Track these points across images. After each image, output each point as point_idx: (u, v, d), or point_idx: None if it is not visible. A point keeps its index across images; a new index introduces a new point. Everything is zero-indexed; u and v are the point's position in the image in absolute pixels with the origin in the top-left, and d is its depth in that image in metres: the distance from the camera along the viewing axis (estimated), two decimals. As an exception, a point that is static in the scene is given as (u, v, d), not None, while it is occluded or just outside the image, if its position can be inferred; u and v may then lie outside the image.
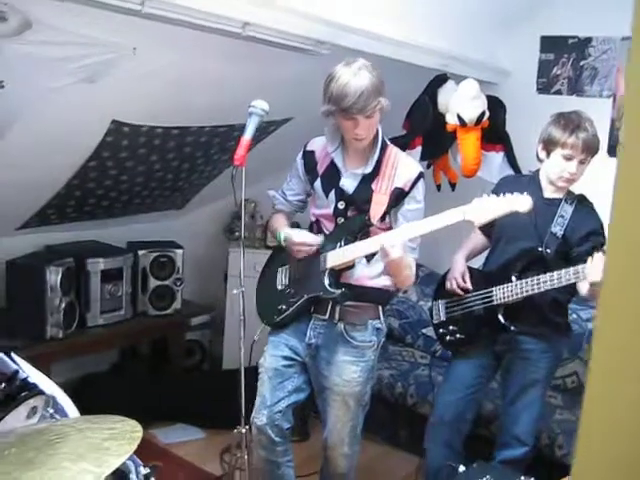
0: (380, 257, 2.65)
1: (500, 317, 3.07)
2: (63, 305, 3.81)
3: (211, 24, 2.64)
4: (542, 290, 2.93)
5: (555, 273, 2.88)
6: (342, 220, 2.80)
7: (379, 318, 2.91)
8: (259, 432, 2.90)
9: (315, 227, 2.92)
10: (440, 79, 3.99)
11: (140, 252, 4.34)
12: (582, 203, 3.07)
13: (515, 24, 4.35)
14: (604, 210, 3.16)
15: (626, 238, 0.94)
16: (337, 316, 2.83)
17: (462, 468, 2.93)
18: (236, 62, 3.22)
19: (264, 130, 4.02)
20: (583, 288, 2.85)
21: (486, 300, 3.10)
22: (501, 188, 2.77)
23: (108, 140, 3.54)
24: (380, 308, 2.91)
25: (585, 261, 2.79)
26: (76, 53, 2.74)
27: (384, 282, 2.85)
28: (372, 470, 3.91)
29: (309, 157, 2.92)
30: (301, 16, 2.89)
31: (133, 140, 3.66)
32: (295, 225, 3.08)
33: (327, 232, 2.85)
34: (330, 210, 2.83)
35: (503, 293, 3.04)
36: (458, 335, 3.20)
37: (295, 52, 3.10)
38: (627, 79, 1.09)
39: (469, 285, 3.15)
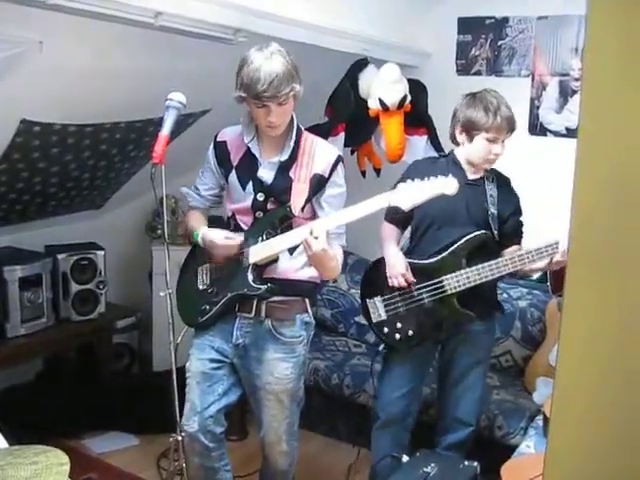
0: (303, 250, 2.58)
1: (457, 305, 3.02)
2: (-21, 316, 3.62)
3: (122, 14, 2.52)
4: (503, 274, 2.94)
5: (516, 255, 2.94)
6: (261, 213, 2.72)
7: (307, 311, 2.84)
8: (191, 440, 2.80)
9: (232, 223, 2.82)
10: (361, 64, 3.94)
11: (59, 256, 4.15)
12: (500, 180, 3.11)
13: (433, 6, 4.34)
14: (528, 187, 3.21)
15: (589, 223, 0.94)
16: (263, 313, 2.76)
17: (405, 458, 2.91)
18: (151, 54, 3.12)
19: (182, 123, 3.90)
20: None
21: (437, 291, 3.04)
22: (416, 172, 2.73)
23: (18, 140, 3.37)
24: (307, 301, 2.84)
25: (517, 238, 2.88)
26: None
27: (309, 274, 2.78)
28: (314, 464, 3.87)
29: (221, 148, 2.82)
30: (215, 3, 2.79)
31: (45, 139, 3.49)
32: (214, 220, 2.98)
33: (245, 227, 2.77)
34: (248, 203, 2.74)
35: (457, 281, 3.00)
36: (409, 332, 3.10)
37: (211, 41, 2.99)
38: (586, 62, 1.08)
39: (412, 278, 3.08)
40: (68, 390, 4.36)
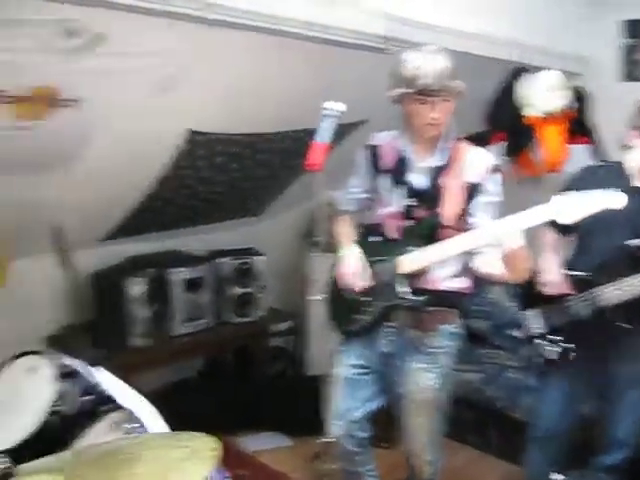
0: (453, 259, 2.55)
1: (617, 319, 2.89)
2: (147, 315, 3.85)
3: (278, 27, 2.61)
4: None
5: None
6: (412, 219, 2.69)
7: (453, 322, 2.79)
8: (336, 443, 2.84)
9: (378, 230, 2.81)
10: (518, 71, 3.87)
11: (221, 260, 4.34)
12: None
13: (594, 10, 4.18)
14: None
15: None
16: (408, 323, 2.74)
17: (560, 477, 2.82)
18: (308, 65, 3.19)
19: (340, 133, 3.97)
20: None
21: (595, 303, 2.92)
22: (579, 183, 2.64)
23: (185, 150, 3.56)
24: (454, 312, 2.80)
25: None
26: (149, 64, 2.75)
27: (459, 284, 2.74)
28: (461, 475, 3.81)
29: (373, 152, 2.81)
30: (366, 13, 2.83)
31: (210, 149, 3.67)
32: (362, 228, 2.97)
33: (394, 233, 2.74)
34: (398, 208, 2.72)
35: (617, 293, 2.85)
36: (568, 346, 2.99)
37: (366, 51, 3.03)
38: None
39: (569, 289, 2.97)
40: (227, 389, 4.52)
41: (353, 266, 2.73)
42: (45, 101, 2.68)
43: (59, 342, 3.69)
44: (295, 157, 4.17)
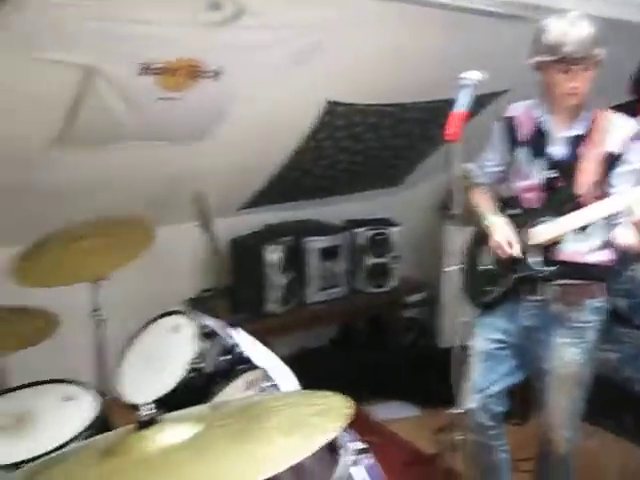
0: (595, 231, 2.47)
1: None
2: (283, 282, 3.95)
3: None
4: None
5: None
6: (550, 190, 2.61)
7: (598, 296, 2.70)
8: (470, 416, 2.83)
9: (515, 202, 2.75)
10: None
11: (357, 230, 4.38)
12: None
13: None
14: None
15: None
16: (551, 296, 2.68)
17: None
18: (450, 34, 3.15)
19: (480, 103, 3.91)
20: None
21: None
22: None
23: (324, 120, 3.61)
24: (599, 286, 2.69)
25: None
26: (288, 35, 2.80)
27: (602, 257, 2.65)
28: (593, 459, 3.71)
29: (509, 124, 2.74)
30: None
31: (348, 119, 3.70)
32: (507, 201, 2.93)
33: (530, 205, 2.67)
34: (536, 180, 2.64)
35: None
36: None
37: (510, 20, 2.97)
38: None
39: None
40: (358, 357, 4.57)
41: (506, 233, 2.70)
42: (188, 73, 2.79)
43: (198, 305, 3.84)
44: (434, 127, 4.14)
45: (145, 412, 1.28)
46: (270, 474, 1.08)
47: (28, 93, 2.57)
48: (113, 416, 2.49)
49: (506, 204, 2.82)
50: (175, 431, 1.27)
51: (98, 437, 1.59)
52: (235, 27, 2.60)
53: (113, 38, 2.45)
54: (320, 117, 3.59)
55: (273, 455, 1.12)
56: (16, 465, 1.91)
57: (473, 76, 2.57)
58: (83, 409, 2.33)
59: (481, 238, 2.90)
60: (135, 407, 2.22)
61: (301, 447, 1.14)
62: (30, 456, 1.94)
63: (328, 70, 3.16)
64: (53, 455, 1.54)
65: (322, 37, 2.89)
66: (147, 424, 1.28)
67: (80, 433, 2.18)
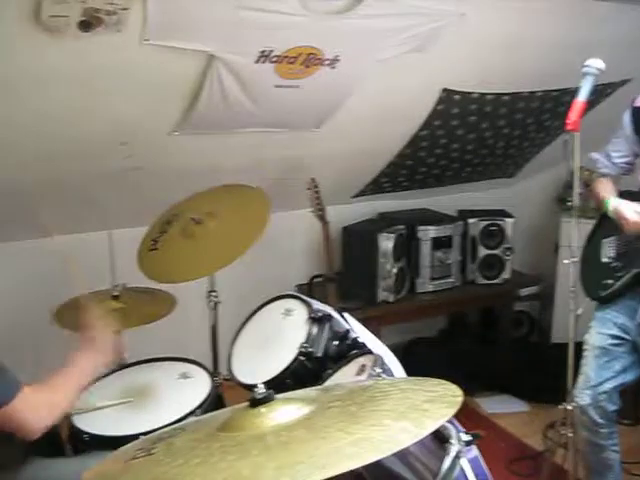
0: None
1: None
2: (394, 270, 3.95)
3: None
4: None
5: None
6: None
7: None
8: (581, 412, 2.76)
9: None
10: None
11: (470, 220, 4.34)
12: None
13: None
14: None
15: None
16: None
17: None
18: (568, 21, 3.08)
19: (600, 93, 3.80)
20: None
21: None
22: None
23: (439, 109, 3.59)
24: None
25: None
26: (405, 23, 2.80)
27: None
28: None
29: (639, 114, 2.67)
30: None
31: (463, 108, 3.67)
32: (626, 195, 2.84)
33: None
34: None
35: None
36: None
37: (633, 5, 2.87)
38: None
39: None
40: (467, 349, 4.55)
41: (637, 211, 2.62)
42: (307, 61, 2.82)
43: (310, 290, 3.89)
44: (551, 118, 4.06)
45: (260, 391, 1.32)
46: (380, 456, 1.09)
47: (150, 80, 2.67)
48: (225, 394, 2.58)
49: (631, 197, 2.74)
50: (288, 410, 1.31)
51: (213, 413, 1.65)
52: (354, 15, 2.62)
53: (234, 26, 2.51)
54: (435, 105, 3.57)
55: (384, 438, 1.14)
56: (138, 436, 2.00)
57: (596, 64, 2.50)
58: (198, 387, 2.43)
59: (603, 229, 2.83)
60: (247, 387, 2.32)
61: (412, 432, 1.15)
62: (151, 428, 2.04)
63: (445, 58, 3.14)
64: (172, 427, 1.60)
65: (441, 25, 2.87)
66: (261, 402, 1.32)
67: (195, 409, 2.27)
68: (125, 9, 2.26)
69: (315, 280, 3.95)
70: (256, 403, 1.32)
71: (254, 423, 1.28)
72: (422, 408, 1.25)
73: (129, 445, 1.52)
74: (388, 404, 1.28)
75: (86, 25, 2.27)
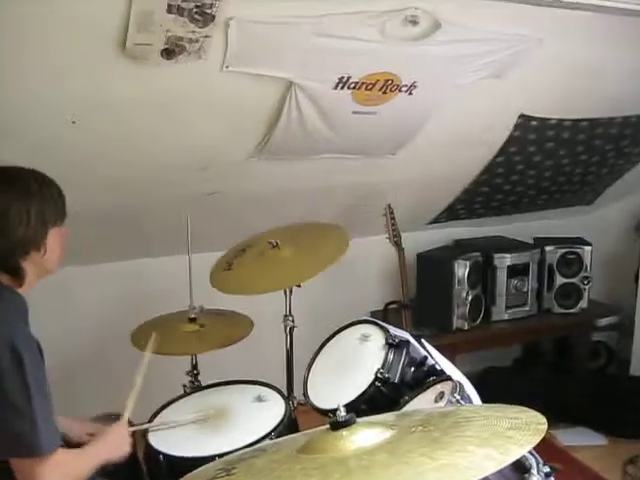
0: None
1: None
2: (469, 298, 3.91)
3: (615, 4, 2.50)
4: None
5: None
6: None
7: None
8: None
9: None
10: None
11: (547, 248, 4.27)
12: None
13: None
14: None
15: None
16: None
17: None
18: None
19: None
20: None
21: None
22: None
23: (515, 135, 3.56)
24: None
25: None
26: (483, 49, 2.80)
27: None
28: None
29: None
30: None
31: (541, 134, 3.63)
32: None
33: None
34: None
35: None
36: None
37: None
38: None
39: None
40: (542, 380, 4.45)
41: None
42: (384, 87, 2.84)
43: (385, 317, 3.88)
44: (631, 144, 3.99)
45: (341, 414, 1.32)
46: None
47: (229, 106, 2.73)
48: (299, 419, 2.58)
49: None
50: (368, 434, 1.30)
51: (292, 435, 1.65)
52: (431, 41, 2.62)
53: (312, 53, 2.54)
54: (512, 131, 3.54)
55: (469, 464, 1.12)
56: (216, 457, 2.02)
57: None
58: (273, 410, 2.44)
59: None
60: (322, 411, 2.31)
61: (497, 459, 1.13)
62: (226, 450, 2.05)
63: (523, 83, 3.12)
64: (252, 448, 1.61)
65: (518, 50, 2.85)
66: (342, 425, 1.32)
67: (270, 432, 2.28)
68: (207, 37, 2.31)
69: (389, 307, 3.93)
70: (337, 426, 1.31)
71: (335, 446, 1.28)
72: (506, 435, 1.22)
73: (208, 465, 1.54)
74: (471, 430, 1.26)
75: (169, 53, 2.34)
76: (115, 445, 2.07)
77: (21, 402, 1.70)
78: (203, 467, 1.53)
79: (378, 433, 1.30)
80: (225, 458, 1.58)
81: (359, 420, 1.36)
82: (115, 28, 2.19)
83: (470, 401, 1.98)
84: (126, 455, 2.09)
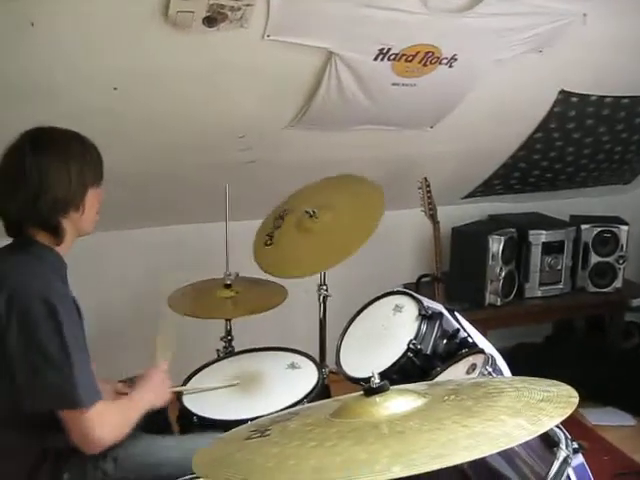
0: None
1: None
2: (503, 274, 3.90)
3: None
4: None
5: None
6: None
7: None
8: None
9: None
10: None
11: (583, 226, 4.23)
12: None
13: None
14: None
15: None
16: None
17: None
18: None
19: None
20: None
21: None
22: None
23: (555, 110, 3.54)
24: None
25: None
26: (525, 23, 2.78)
27: None
28: None
29: None
30: None
31: (580, 110, 3.60)
32: None
33: None
34: None
35: None
36: None
37: None
38: None
39: None
40: (573, 358, 4.43)
41: None
42: (425, 59, 2.83)
43: (417, 290, 3.88)
44: (673, 123, 3.93)
45: (375, 380, 1.34)
46: (496, 450, 1.09)
47: (269, 75, 2.75)
48: (331, 387, 2.61)
49: None
50: (401, 401, 1.32)
51: (325, 401, 1.67)
52: (474, 14, 2.61)
53: (353, 23, 2.54)
54: (552, 107, 3.51)
55: (500, 432, 1.13)
56: (249, 420, 2.05)
57: None
58: (306, 377, 2.46)
59: None
60: (354, 380, 2.34)
61: (528, 429, 1.15)
62: (259, 414, 2.08)
63: (564, 59, 3.10)
64: (283, 412, 1.64)
65: (561, 25, 2.83)
66: (376, 391, 1.34)
67: (303, 398, 2.31)
68: (249, 5, 2.32)
69: (422, 280, 3.94)
70: (371, 392, 1.33)
71: (369, 411, 1.30)
72: (538, 407, 1.24)
73: (242, 427, 1.57)
74: (503, 401, 1.28)
75: (211, 21, 2.36)
76: (157, 391, 2.13)
77: (58, 354, 1.76)
78: (237, 428, 1.56)
79: (410, 400, 1.32)
80: (258, 421, 1.61)
81: (394, 387, 1.38)
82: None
83: (501, 374, 2.00)
84: (167, 401, 2.17)
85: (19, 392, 1.77)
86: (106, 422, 1.84)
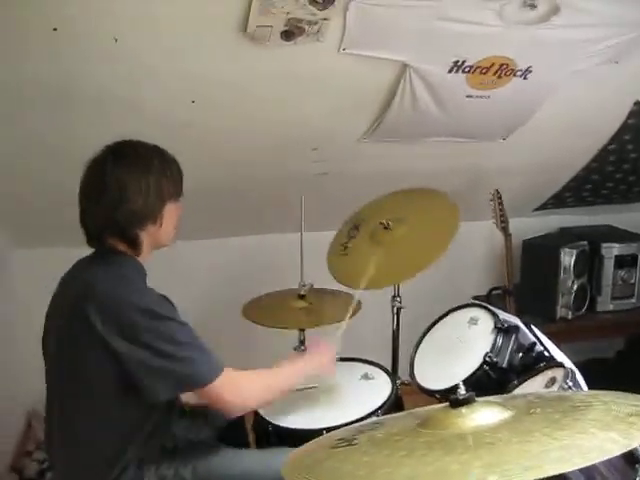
0: None
1: None
2: (575, 287, 3.86)
3: None
4: None
5: None
6: None
7: None
8: None
9: None
10: None
11: (657, 240, 4.17)
12: None
13: None
14: None
15: None
16: None
17: None
18: None
19: None
20: None
21: None
22: None
23: (630, 122, 3.50)
24: None
25: None
26: (601, 34, 2.76)
27: None
28: None
29: None
30: None
31: (656, 122, 3.54)
32: None
33: None
34: None
35: None
36: None
37: None
38: None
39: None
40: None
41: None
42: (499, 71, 2.83)
43: (488, 302, 3.85)
44: None
45: (461, 392, 1.35)
46: (587, 463, 1.09)
47: (344, 87, 2.77)
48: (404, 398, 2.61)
49: None
50: (487, 413, 1.32)
51: (408, 411, 1.68)
52: (549, 25, 2.60)
53: (428, 36, 2.55)
54: (626, 118, 3.47)
55: (592, 446, 1.13)
56: (324, 430, 2.08)
57: None
58: (379, 388, 2.48)
59: None
60: (428, 392, 2.34)
61: (620, 442, 1.14)
62: (334, 424, 2.11)
63: (638, 70, 3.05)
64: (367, 422, 1.65)
65: (637, 36, 2.79)
66: (462, 403, 1.34)
67: (377, 409, 2.32)
68: (325, 19, 2.35)
69: (493, 292, 3.91)
70: (457, 403, 1.34)
71: (455, 423, 1.30)
72: (628, 421, 1.23)
73: (327, 435, 1.59)
74: (592, 414, 1.27)
75: (288, 35, 2.39)
76: (321, 361, 2.27)
77: (168, 347, 1.84)
78: (322, 436, 1.58)
79: (497, 412, 1.32)
80: (346, 428, 1.62)
81: (478, 399, 1.39)
82: (237, 10, 2.25)
83: (581, 389, 1.97)
84: (331, 374, 2.35)
85: (146, 392, 1.85)
86: (236, 387, 1.95)
